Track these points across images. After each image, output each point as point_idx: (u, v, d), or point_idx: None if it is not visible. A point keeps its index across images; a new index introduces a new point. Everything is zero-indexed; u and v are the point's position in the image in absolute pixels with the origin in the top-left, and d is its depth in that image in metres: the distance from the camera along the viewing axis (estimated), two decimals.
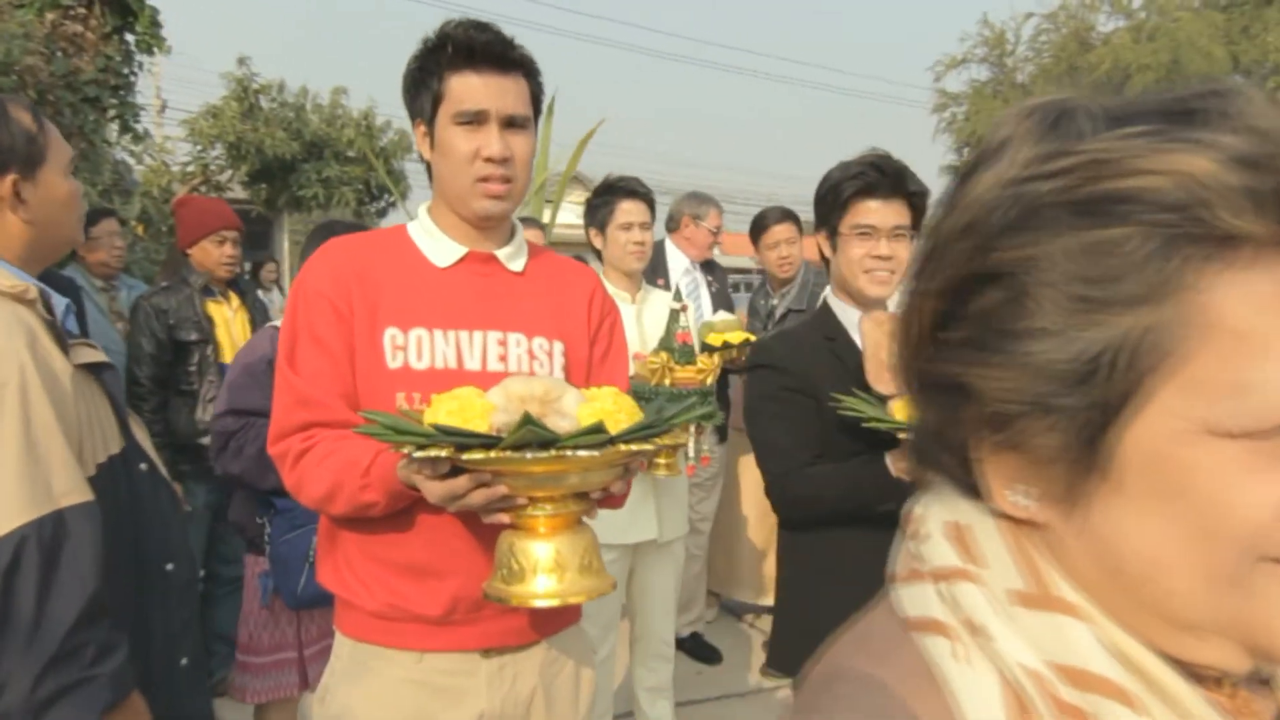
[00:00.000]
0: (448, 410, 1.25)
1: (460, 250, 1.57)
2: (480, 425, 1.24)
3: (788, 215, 4.17)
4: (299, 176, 12.55)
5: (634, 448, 1.23)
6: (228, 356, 3.66)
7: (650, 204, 3.00)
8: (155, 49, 6.88)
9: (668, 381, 2.66)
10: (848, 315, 2.03)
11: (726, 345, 3.26)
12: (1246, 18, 22.43)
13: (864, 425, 1.74)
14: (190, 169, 12.68)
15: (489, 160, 1.49)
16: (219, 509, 3.76)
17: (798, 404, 1.94)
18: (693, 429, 2.70)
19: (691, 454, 2.70)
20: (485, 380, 1.46)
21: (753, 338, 3.42)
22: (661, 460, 2.76)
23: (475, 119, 1.49)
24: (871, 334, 1.82)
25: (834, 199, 1.94)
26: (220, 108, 12.42)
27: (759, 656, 4.38)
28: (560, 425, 1.25)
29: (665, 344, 2.70)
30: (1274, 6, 21.89)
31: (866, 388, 1.88)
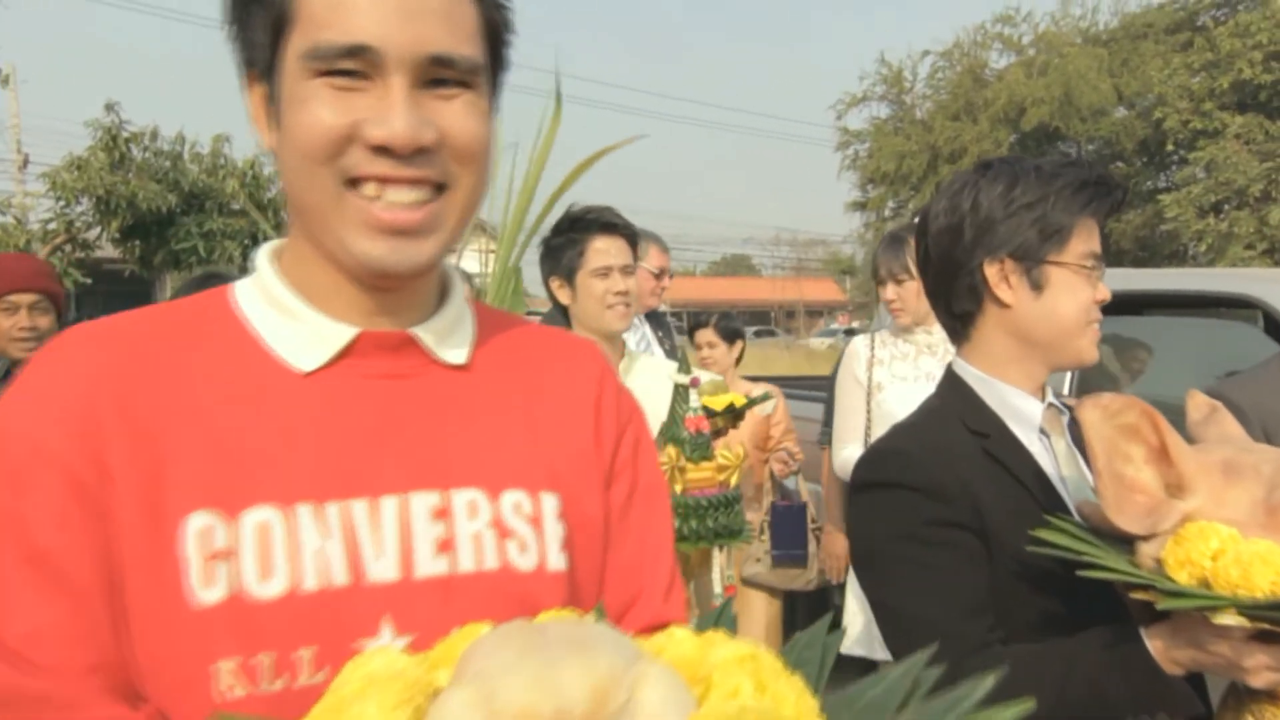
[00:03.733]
0: None
1: (343, 335, 0.78)
2: None
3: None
4: (177, 231, 11.64)
5: None
6: None
7: (632, 240, 2.24)
8: None
9: (678, 487, 1.89)
10: (1003, 396, 1.31)
11: (731, 409, 2.49)
12: (1125, 51, 23.35)
13: (1133, 595, 1.03)
14: (52, 226, 11.63)
15: (380, 150, 0.71)
16: None
17: (962, 547, 1.21)
18: (716, 553, 1.93)
19: (717, 587, 1.93)
20: (414, 603, 0.74)
21: (740, 400, 2.70)
22: None
23: (352, 62, 0.71)
24: (1101, 430, 1.09)
25: (1053, 213, 1.25)
26: (86, 159, 11.52)
27: None
28: None
29: (671, 434, 1.94)
30: (1149, 40, 22.85)
31: (1053, 512, 1.16)
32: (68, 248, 11.65)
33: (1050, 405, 1.35)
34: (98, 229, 11.89)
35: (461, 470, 0.78)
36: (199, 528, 0.70)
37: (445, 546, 0.75)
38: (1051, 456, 1.33)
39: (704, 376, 2.54)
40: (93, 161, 11.40)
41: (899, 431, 1.35)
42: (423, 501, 0.76)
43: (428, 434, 0.79)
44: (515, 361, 0.88)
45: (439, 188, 0.75)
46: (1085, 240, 1.27)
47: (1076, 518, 1.20)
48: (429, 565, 0.74)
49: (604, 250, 2.18)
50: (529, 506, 0.80)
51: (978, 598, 1.21)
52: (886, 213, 25.30)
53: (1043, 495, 1.25)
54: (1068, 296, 1.27)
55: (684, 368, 2.01)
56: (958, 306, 1.33)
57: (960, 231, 1.29)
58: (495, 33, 0.79)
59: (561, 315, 2.31)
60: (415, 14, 0.71)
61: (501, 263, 5.57)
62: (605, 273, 2.16)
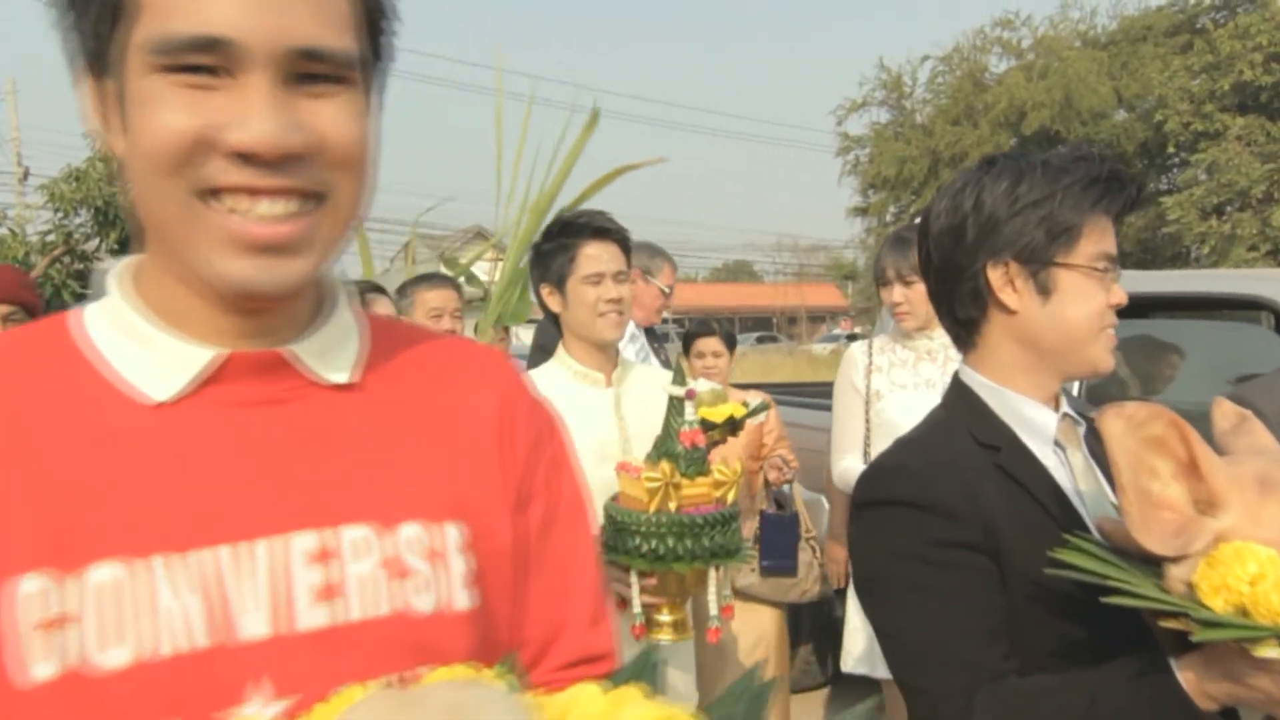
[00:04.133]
0: None
1: (200, 359, 0.69)
2: None
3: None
4: None
5: None
6: None
7: (625, 246, 2.16)
8: None
9: (672, 505, 1.81)
10: (1014, 406, 1.23)
11: (731, 421, 2.40)
12: (1125, 54, 23.29)
13: (1163, 624, 0.95)
14: (51, 238, 11.56)
15: (242, 158, 0.63)
16: None
17: (971, 569, 1.13)
18: (713, 572, 1.84)
19: (713, 608, 1.84)
20: (293, 661, 0.65)
21: (740, 410, 2.61)
22: (666, 618, 1.90)
23: (204, 56, 0.62)
24: (1125, 442, 1.01)
25: (1060, 211, 1.17)
26: (85, 170, 11.41)
27: None
28: None
29: (666, 448, 1.85)
30: (1148, 43, 22.79)
31: (1071, 530, 1.08)
32: (66, 259, 11.57)
33: (1065, 415, 1.27)
34: (96, 240, 11.80)
35: (348, 504, 0.70)
36: (28, 592, 0.61)
37: (329, 593, 0.67)
38: (1068, 470, 1.25)
39: (702, 386, 2.46)
40: (91, 172, 11.31)
41: (903, 446, 1.26)
42: (300, 543, 0.67)
43: (307, 465, 0.69)
44: (411, 378, 0.78)
45: (314, 197, 0.66)
46: (1097, 241, 1.19)
47: (1096, 536, 1.12)
48: (309, 617, 0.66)
49: (596, 256, 2.09)
50: (429, 540, 0.71)
51: (990, 623, 1.12)
52: (888, 218, 25.21)
53: (1060, 512, 1.17)
54: (1077, 301, 1.18)
55: (679, 378, 1.92)
56: (961, 312, 1.25)
57: (962, 232, 1.21)
58: (374, 21, 0.70)
59: (553, 323, 2.24)
60: (278, 0, 0.62)
61: (509, 270, 5.46)
62: (597, 279, 2.08)
